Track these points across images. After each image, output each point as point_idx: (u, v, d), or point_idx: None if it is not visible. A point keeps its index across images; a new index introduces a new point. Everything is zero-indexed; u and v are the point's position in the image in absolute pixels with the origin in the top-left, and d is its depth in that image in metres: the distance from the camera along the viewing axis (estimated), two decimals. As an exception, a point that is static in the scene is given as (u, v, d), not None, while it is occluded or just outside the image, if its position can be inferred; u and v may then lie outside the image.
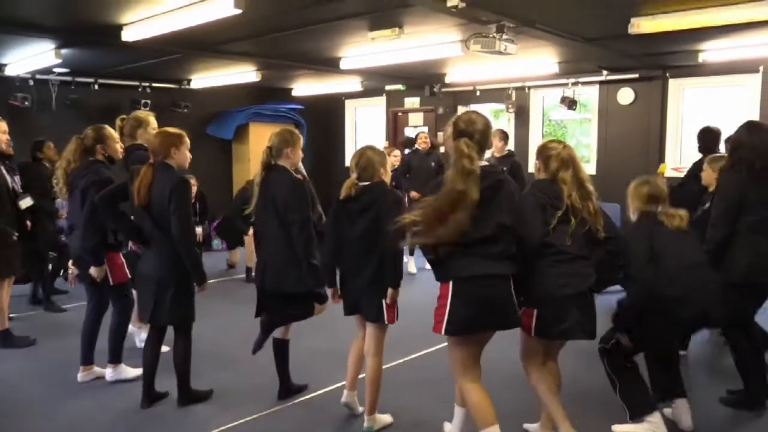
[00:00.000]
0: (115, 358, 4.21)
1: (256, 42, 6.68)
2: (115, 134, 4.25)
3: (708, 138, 5.39)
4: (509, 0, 4.84)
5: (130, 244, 4.22)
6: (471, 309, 2.79)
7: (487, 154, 3.29)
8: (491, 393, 2.92)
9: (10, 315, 5.31)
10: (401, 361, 4.61)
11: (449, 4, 4.64)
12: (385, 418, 3.56)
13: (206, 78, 9.52)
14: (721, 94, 8.22)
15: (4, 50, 7.10)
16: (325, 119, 11.93)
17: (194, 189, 6.44)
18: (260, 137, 10.72)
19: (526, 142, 9.55)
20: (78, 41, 6.44)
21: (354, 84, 10.01)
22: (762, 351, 3.82)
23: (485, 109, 10.86)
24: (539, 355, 3.12)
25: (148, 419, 3.71)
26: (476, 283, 2.79)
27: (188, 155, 3.78)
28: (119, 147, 4.26)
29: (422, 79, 9.72)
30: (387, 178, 3.42)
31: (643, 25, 5.15)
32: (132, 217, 3.82)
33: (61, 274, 6.56)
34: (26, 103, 8.29)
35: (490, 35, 5.37)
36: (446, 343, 3.00)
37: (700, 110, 8.16)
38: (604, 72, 8.37)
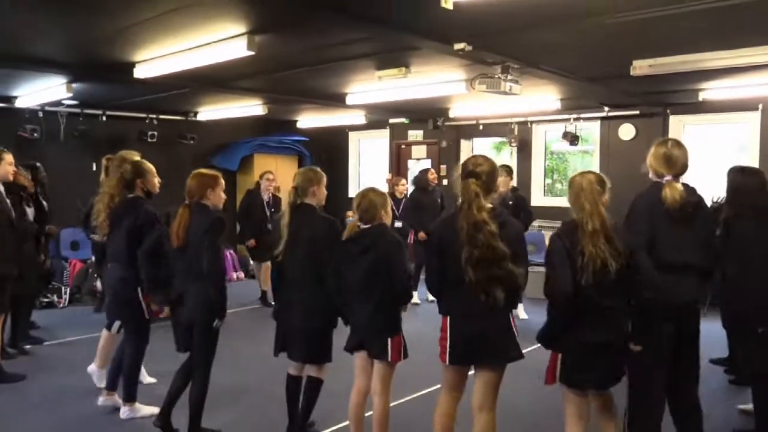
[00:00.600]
0: (131, 397, 4.21)
1: (264, 79, 6.81)
2: (153, 168, 4.30)
3: None
4: (514, 43, 4.96)
5: None
6: (464, 343, 3.05)
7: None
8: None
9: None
10: (409, 398, 4.60)
11: (456, 47, 4.77)
12: None
13: (213, 111, 9.66)
14: (722, 131, 8.35)
15: (17, 84, 7.24)
16: (328, 151, 12.05)
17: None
18: (264, 168, 10.78)
19: (528, 175, 9.65)
20: (90, 77, 6.57)
21: (358, 117, 10.15)
22: None
23: (488, 142, 11.03)
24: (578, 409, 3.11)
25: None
26: (469, 319, 3.02)
27: (223, 196, 3.87)
28: (157, 181, 4.32)
29: (426, 113, 9.86)
30: (388, 219, 3.51)
31: (644, 67, 5.27)
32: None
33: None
34: (35, 134, 8.42)
35: (495, 76, 5.50)
36: None
37: (700, 146, 8.27)
38: (606, 108, 8.51)
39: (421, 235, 7.56)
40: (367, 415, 3.60)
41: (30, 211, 5.52)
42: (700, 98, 6.95)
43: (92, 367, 4.78)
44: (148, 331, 4.22)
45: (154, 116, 9.76)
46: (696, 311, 3.28)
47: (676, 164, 3.25)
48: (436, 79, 6.51)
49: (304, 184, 3.72)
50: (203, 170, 3.89)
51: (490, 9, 3.88)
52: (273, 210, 8.15)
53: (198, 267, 3.61)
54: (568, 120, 8.97)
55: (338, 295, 3.51)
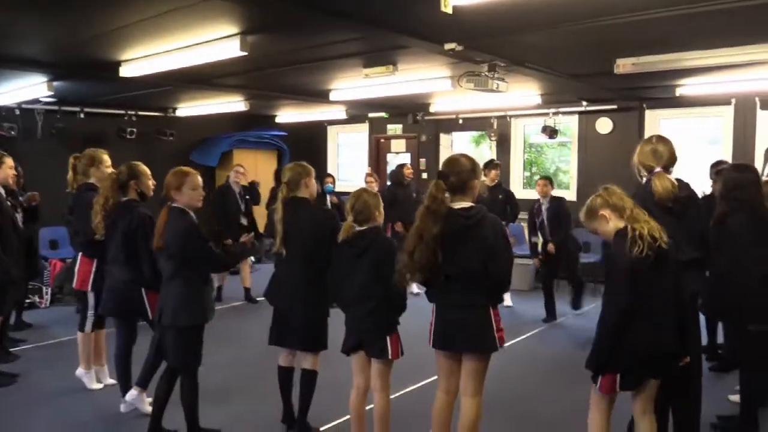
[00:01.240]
0: (142, 383, 4.25)
1: (249, 76, 6.79)
2: (147, 171, 4.29)
3: None
4: (503, 42, 5.03)
5: None
6: (443, 330, 3.22)
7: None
8: None
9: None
10: (403, 392, 4.69)
11: (447, 47, 4.84)
12: None
13: (192, 107, 9.57)
14: (695, 125, 8.60)
15: (-5, 82, 7.10)
16: (307, 145, 12.03)
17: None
18: (244, 163, 10.73)
19: (507, 169, 9.79)
20: (74, 76, 6.48)
21: (338, 112, 10.16)
22: None
23: (467, 136, 11.15)
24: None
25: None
26: (448, 309, 3.19)
27: (197, 194, 3.74)
28: (151, 183, 4.31)
29: (406, 108, 9.92)
30: (381, 219, 3.58)
31: (627, 65, 5.41)
32: None
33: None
34: (12, 132, 8.26)
35: (483, 74, 5.58)
36: None
37: (675, 139, 8.42)
38: (584, 103, 8.68)
39: (398, 225, 7.81)
40: (366, 408, 3.67)
41: (19, 217, 5.43)
42: (678, 93, 7.14)
43: (80, 371, 4.78)
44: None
45: (133, 113, 9.64)
46: (695, 302, 3.41)
47: (663, 156, 3.38)
48: (422, 76, 6.58)
49: (295, 178, 3.80)
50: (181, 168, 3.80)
51: (483, 11, 3.95)
52: (248, 198, 8.13)
53: (171, 269, 3.60)
54: (547, 114, 9.12)
55: (336, 295, 3.61)
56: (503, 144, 9.88)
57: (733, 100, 7.78)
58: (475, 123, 10.13)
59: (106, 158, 4.69)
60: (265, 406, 4.33)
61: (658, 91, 7.47)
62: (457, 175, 3.14)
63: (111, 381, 4.78)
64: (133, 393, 4.26)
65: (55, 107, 8.70)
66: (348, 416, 3.77)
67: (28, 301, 7.48)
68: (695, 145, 8.64)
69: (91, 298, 4.59)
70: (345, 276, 3.50)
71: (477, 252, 3.07)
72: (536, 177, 11.32)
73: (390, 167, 11.54)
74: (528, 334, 6.49)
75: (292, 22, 4.47)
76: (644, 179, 3.43)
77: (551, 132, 8.96)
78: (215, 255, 3.71)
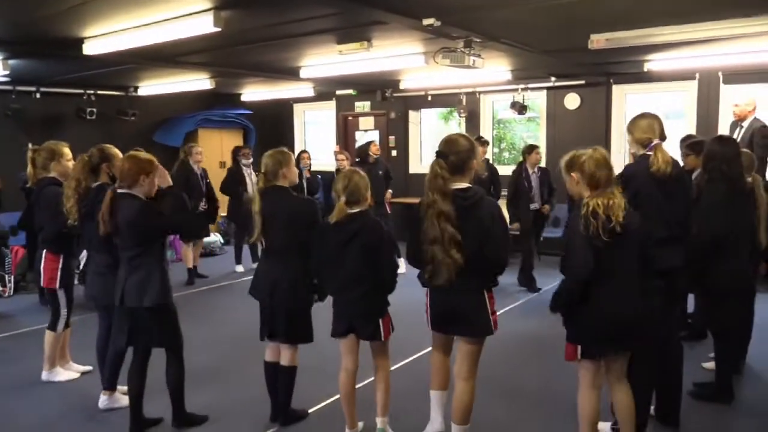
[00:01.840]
0: (111, 385, 4.12)
1: (216, 53, 6.60)
2: (119, 153, 4.13)
3: None
4: (480, 18, 4.99)
5: None
6: (439, 313, 3.24)
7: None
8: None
9: None
10: (397, 366, 4.67)
11: (425, 22, 4.77)
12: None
13: (155, 85, 9.28)
14: (661, 99, 8.75)
15: (-57, 61, 6.72)
16: (274, 124, 11.85)
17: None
18: (209, 143, 10.58)
19: (477, 145, 9.80)
20: (32, 54, 6.18)
21: (305, 89, 10.01)
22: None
23: (435, 113, 11.12)
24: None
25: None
26: (443, 292, 3.16)
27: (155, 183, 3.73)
28: None
29: (375, 85, 9.83)
30: (370, 201, 3.53)
31: (601, 41, 5.44)
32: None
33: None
34: (-36, 114, 7.88)
35: (458, 50, 5.54)
36: None
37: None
38: (552, 78, 8.73)
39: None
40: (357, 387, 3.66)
41: None
42: (645, 69, 7.24)
43: (46, 374, 4.64)
44: None
45: (92, 92, 9.29)
46: (683, 273, 3.48)
47: (657, 130, 3.43)
48: (396, 53, 6.50)
49: (273, 167, 3.68)
50: (136, 153, 3.73)
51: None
52: (206, 182, 8.05)
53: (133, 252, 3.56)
54: (515, 90, 9.15)
55: (322, 281, 3.58)
56: (472, 120, 9.89)
57: (698, 75, 7.94)
58: (444, 99, 10.11)
59: (67, 151, 4.51)
60: (247, 389, 4.30)
61: (626, 66, 7.56)
62: (456, 155, 3.10)
63: (81, 368, 4.71)
64: (103, 399, 4.12)
65: (9, 87, 8.31)
66: (333, 398, 3.76)
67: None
68: (661, 119, 8.79)
69: (62, 296, 4.46)
70: (332, 261, 3.43)
71: (474, 234, 3.05)
72: (505, 153, 11.46)
73: (359, 145, 11.47)
74: (508, 308, 6.54)
75: (268, -4, 4.33)
76: (639, 153, 3.45)
77: (520, 108, 9.00)
78: (179, 218, 3.71)
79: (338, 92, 10.87)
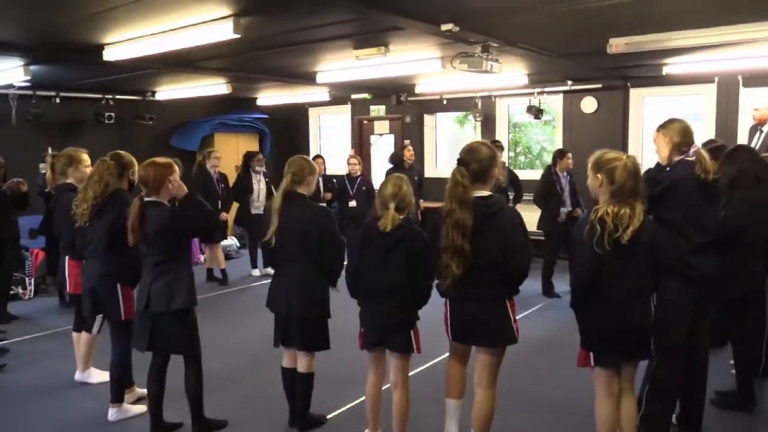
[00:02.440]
0: (118, 398, 4.11)
1: (234, 59, 6.64)
2: (135, 161, 4.15)
3: None
4: (497, 23, 4.99)
5: None
6: (460, 324, 3.20)
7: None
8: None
9: None
10: (412, 373, 4.65)
11: (444, 28, 4.77)
12: None
13: (172, 90, 9.36)
14: (679, 103, 8.68)
15: (-34, 67, 6.82)
16: (288, 128, 11.90)
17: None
18: (225, 147, 10.62)
19: (493, 149, 9.78)
20: (53, 60, 6.26)
21: (320, 93, 10.02)
22: None
23: (451, 117, 11.11)
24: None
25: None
26: (464, 303, 3.14)
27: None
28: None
29: (390, 89, 9.83)
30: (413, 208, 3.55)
31: (620, 45, 5.41)
32: None
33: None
34: (-14, 119, 7.99)
35: (476, 54, 5.53)
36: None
37: (659, 118, 8.52)
38: (569, 82, 8.69)
39: None
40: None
41: None
42: (664, 72, 7.20)
43: (80, 374, 4.70)
44: (131, 327, 4.00)
45: (110, 97, 9.37)
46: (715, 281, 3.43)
47: (691, 135, 3.41)
48: (412, 58, 6.50)
49: (300, 173, 3.69)
50: (154, 159, 3.71)
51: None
52: (222, 186, 8.14)
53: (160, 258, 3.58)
54: (531, 94, 9.12)
55: (355, 289, 3.49)
56: (488, 124, 9.86)
57: (717, 78, 7.86)
58: (459, 103, 10.09)
59: (86, 157, 4.56)
60: (265, 395, 4.31)
61: (644, 69, 7.50)
62: (478, 163, 3.09)
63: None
64: (112, 412, 4.09)
65: (30, 92, 8.41)
66: (352, 404, 3.74)
67: (11, 292, 7.32)
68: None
69: None
70: (372, 265, 3.34)
71: (496, 243, 3.03)
72: (521, 157, 11.42)
73: (373, 149, 11.48)
74: (525, 313, 6.50)
75: (288, 1, 4.34)
76: (675, 158, 3.39)
77: (537, 112, 8.96)
78: (202, 220, 3.75)
79: (353, 96, 10.88)
